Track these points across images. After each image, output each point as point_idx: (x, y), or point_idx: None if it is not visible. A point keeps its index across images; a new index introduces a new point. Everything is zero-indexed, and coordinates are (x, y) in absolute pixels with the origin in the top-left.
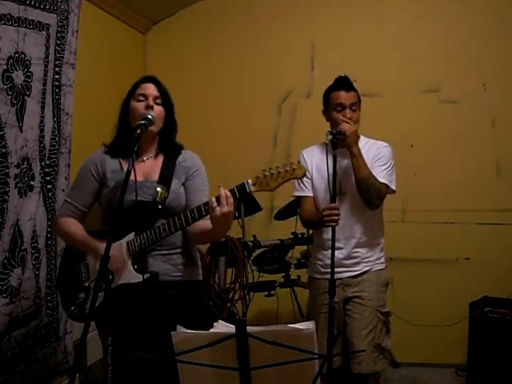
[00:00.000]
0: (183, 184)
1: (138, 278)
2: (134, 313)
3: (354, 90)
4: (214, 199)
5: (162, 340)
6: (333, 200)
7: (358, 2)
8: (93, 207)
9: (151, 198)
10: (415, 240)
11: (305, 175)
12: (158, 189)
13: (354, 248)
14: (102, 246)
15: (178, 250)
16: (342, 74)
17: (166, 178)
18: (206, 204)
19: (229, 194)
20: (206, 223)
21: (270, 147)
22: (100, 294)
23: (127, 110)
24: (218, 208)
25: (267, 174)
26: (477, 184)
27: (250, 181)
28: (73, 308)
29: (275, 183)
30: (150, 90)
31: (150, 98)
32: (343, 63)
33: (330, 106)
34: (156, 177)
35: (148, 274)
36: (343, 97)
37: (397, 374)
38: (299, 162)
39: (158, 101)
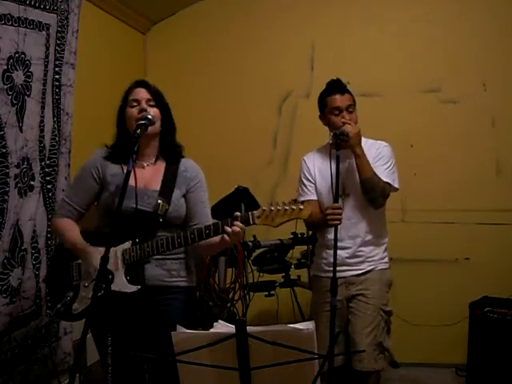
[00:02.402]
0: (184, 195)
1: (129, 288)
2: (126, 318)
3: (348, 92)
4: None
5: (154, 345)
6: (335, 200)
7: (358, 2)
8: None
9: (151, 208)
10: (415, 240)
11: (311, 216)
12: (159, 201)
13: (359, 247)
14: (95, 252)
15: (173, 256)
16: (334, 77)
17: (167, 188)
18: (208, 228)
19: (237, 230)
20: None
21: (269, 147)
22: (87, 295)
23: (123, 117)
24: (228, 237)
25: (273, 209)
26: (477, 184)
27: (255, 213)
28: (59, 306)
29: (280, 220)
30: (141, 94)
31: (143, 102)
32: (343, 63)
33: (326, 110)
34: (157, 186)
35: (139, 287)
36: (339, 100)
37: (397, 374)
38: (307, 201)
39: (151, 103)
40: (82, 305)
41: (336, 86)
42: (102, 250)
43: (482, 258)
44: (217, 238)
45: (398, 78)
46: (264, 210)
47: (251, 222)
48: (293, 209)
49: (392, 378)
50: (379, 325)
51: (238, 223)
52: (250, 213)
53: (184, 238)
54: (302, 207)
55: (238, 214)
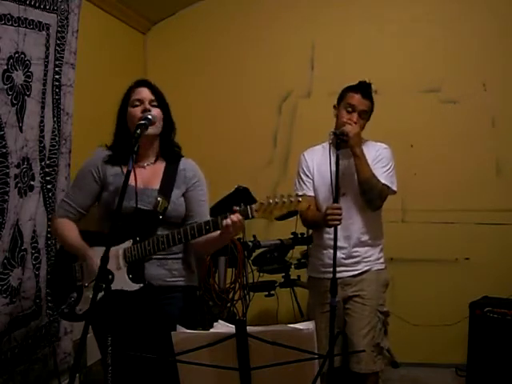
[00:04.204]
0: (183, 194)
1: (132, 286)
2: (128, 316)
3: (371, 100)
4: (227, 222)
5: (155, 343)
6: (335, 200)
7: (358, 2)
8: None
9: (151, 206)
10: (415, 240)
11: (308, 209)
12: (159, 198)
13: (354, 248)
14: (95, 254)
15: (174, 256)
16: (367, 80)
17: (167, 186)
18: (207, 223)
19: (235, 220)
20: (211, 234)
21: (269, 147)
22: (90, 296)
23: (124, 116)
24: (230, 229)
25: (271, 202)
26: (477, 184)
27: (253, 206)
28: (63, 307)
29: (278, 213)
30: (145, 93)
31: (146, 102)
32: (343, 63)
33: (342, 103)
34: (157, 184)
35: (141, 285)
36: (357, 100)
37: (397, 374)
38: (304, 194)
39: (154, 103)
40: (86, 305)
41: (362, 88)
42: (101, 251)
43: (481, 258)
44: (216, 233)
45: (397, 77)
46: (262, 203)
47: (250, 216)
48: (291, 201)
49: (392, 378)
50: (376, 326)
51: (236, 215)
52: (248, 206)
53: (184, 234)
54: (300, 199)
55: (236, 207)
